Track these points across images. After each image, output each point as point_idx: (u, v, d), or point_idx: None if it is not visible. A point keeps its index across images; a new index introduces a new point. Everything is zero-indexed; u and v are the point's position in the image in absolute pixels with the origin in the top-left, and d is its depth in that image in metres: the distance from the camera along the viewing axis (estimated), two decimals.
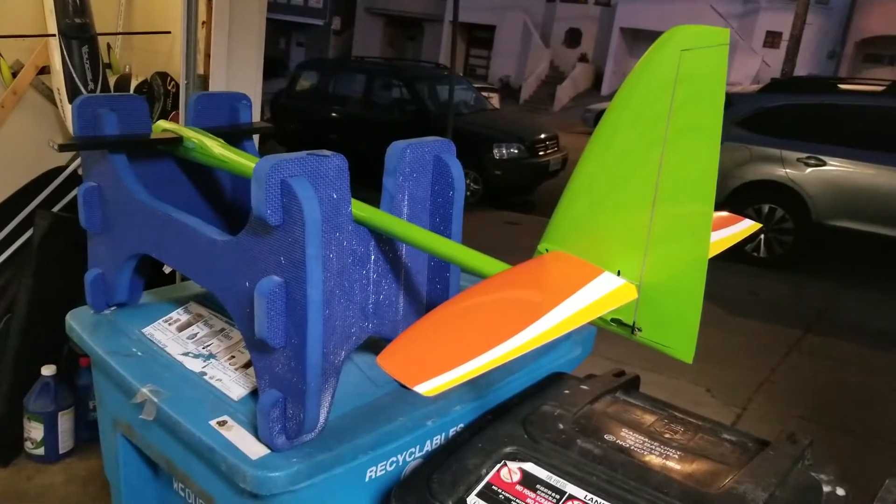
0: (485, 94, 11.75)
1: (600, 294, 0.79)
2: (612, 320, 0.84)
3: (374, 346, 1.23)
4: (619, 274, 0.84)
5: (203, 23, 2.82)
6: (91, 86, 2.89)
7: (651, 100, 0.79)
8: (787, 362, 4.13)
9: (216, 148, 1.36)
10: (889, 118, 6.16)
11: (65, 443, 2.58)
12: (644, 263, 0.82)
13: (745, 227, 1.17)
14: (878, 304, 5.41)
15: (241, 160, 1.30)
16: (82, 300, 2.75)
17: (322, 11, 30.61)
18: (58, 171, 2.91)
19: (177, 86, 3.00)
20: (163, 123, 1.47)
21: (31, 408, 2.50)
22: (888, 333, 4.75)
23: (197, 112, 1.50)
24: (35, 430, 2.52)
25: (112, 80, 3.04)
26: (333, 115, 9.36)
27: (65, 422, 2.57)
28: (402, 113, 8.97)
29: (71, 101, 2.79)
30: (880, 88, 6.55)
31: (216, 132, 1.48)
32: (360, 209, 1.07)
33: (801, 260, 6.27)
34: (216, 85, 2.86)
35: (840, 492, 1.18)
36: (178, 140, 1.40)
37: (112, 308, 1.49)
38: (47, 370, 2.50)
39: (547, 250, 0.92)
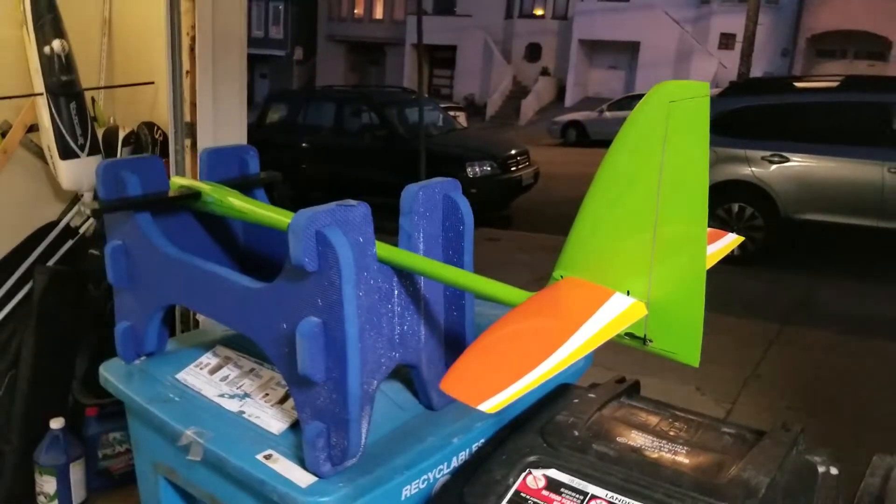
0: (451, 113, 11.95)
1: (615, 314, 0.92)
2: (626, 334, 0.96)
3: (396, 373, 1.33)
4: (628, 293, 0.96)
5: (187, 72, 2.91)
6: (80, 140, 2.94)
7: (646, 141, 0.92)
8: (769, 355, 4.27)
9: (235, 200, 1.45)
10: (845, 112, 6.43)
11: (78, 494, 2.60)
12: (650, 282, 0.94)
13: (730, 240, 1.31)
14: (851, 292, 5.61)
15: (261, 211, 1.40)
16: (84, 352, 2.79)
17: (283, 42, 30.81)
18: (51, 226, 2.97)
19: (164, 135, 3.07)
20: (178, 180, 1.57)
21: (43, 461, 2.51)
22: (864, 319, 4.93)
23: (210, 166, 1.60)
24: (48, 484, 2.54)
25: (99, 134, 3.10)
26: (305, 144, 9.43)
27: (76, 473, 2.59)
28: (374, 139, 9.09)
29: (62, 157, 2.85)
30: (834, 84, 6.83)
31: (229, 184, 1.58)
32: (382, 249, 1.17)
33: (774, 254, 6.47)
34: (204, 132, 2.93)
35: (833, 471, 1.29)
36: (197, 195, 1.49)
37: (142, 358, 1.57)
38: (56, 423, 2.52)
39: (562, 276, 1.04)
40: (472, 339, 1.34)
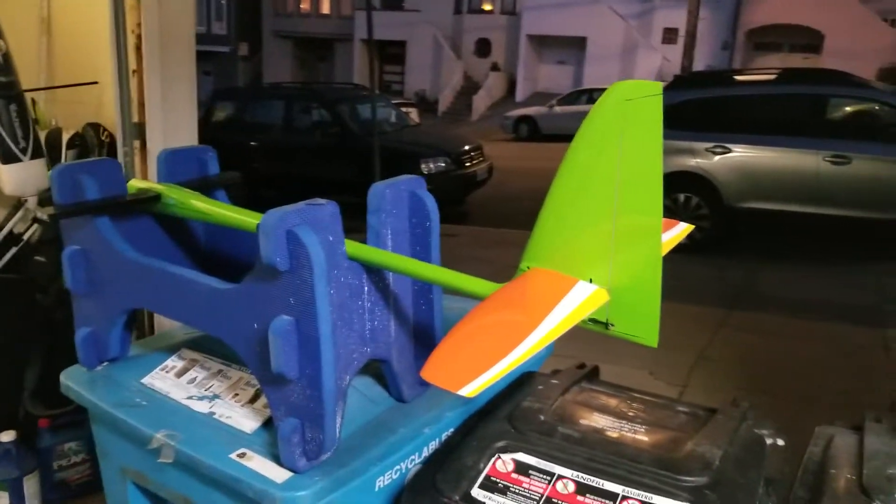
0: (404, 109, 11.95)
1: (579, 301, 0.97)
2: (590, 320, 1.01)
3: (366, 368, 1.36)
4: (591, 281, 1.02)
5: (134, 71, 2.85)
6: (22, 144, 2.85)
7: (604, 138, 0.98)
8: (717, 339, 4.43)
9: (197, 202, 1.46)
10: (782, 103, 6.70)
11: None
12: (611, 270, 1.00)
13: (681, 229, 1.38)
14: (793, 276, 5.84)
15: (226, 212, 1.41)
16: (34, 362, 2.71)
17: (227, 38, 30.19)
18: None
19: (111, 136, 3.01)
20: (137, 183, 1.56)
21: None
22: (806, 303, 5.14)
23: (168, 168, 1.59)
24: (1, 499, 2.49)
25: (42, 136, 3.02)
26: (254, 143, 9.29)
27: (30, 486, 2.53)
28: (325, 136, 9.02)
29: (3, 161, 2.76)
30: (772, 77, 7.10)
31: (188, 185, 1.57)
32: (351, 247, 1.20)
33: (720, 242, 6.69)
34: (153, 132, 2.89)
35: (780, 442, 1.38)
36: (157, 197, 1.49)
37: (104, 363, 1.55)
38: (6, 436, 2.45)
39: (528, 267, 1.09)
40: (440, 331, 1.38)
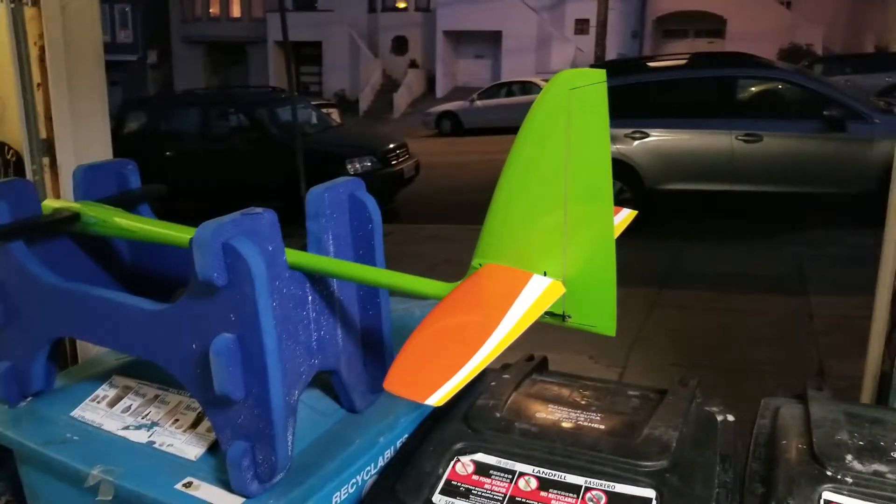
0: (324, 110, 11.78)
1: (536, 295, 0.95)
2: (546, 313, 0.99)
3: (314, 380, 1.30)
4: (545, 274, 0.99)
5: (39, 85, 2.69)
6: None
7: (550, 128, 0.96)
8: (651, 319, 4.55)
9: (121, 219, 1.36)
10: (693, 87, 6.95)
11: None
12: (565, 261, 0.98)
13: (626, 215, 1.38)
14: (717, 253, 6.06)
15: (153, 228, 1.32)
16: None
17: (134, 46, 29.03)
18: None
19: (16, 154, 2.83)
20: (51, 203, 1.45)
21: None
22: (731, 277, 5.34)
23: (86, 185, 1.49)
24: None
25: None
26: (169, 153, 8.96)
27: None
28: (245, 142, 8.79)
29: None
30: (683, 62, 7.35)
31: (109, 202, 1.48)
32: (292, 255, 1.14)
33: (645, 225, 6.86)
34: (63, 148, 2.74)
35: (730, 418, 1.41)
36: (76, 217, 1.39)
37: (28, 399, 1.44)
38: None
39: (481, 264, 1.06)
40: (389, 336, 1.34)
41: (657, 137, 6.71)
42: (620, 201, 5.80)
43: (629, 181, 6.75)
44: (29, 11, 2.53)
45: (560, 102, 0.92)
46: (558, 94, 0.92)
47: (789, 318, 4.31)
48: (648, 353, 3.98)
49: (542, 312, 0.95)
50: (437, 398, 0.83)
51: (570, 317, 1.00)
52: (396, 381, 0.88)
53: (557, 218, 0.97)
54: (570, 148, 0.92)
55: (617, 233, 1.31)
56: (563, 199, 0.95)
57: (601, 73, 0.90)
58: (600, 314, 0.99)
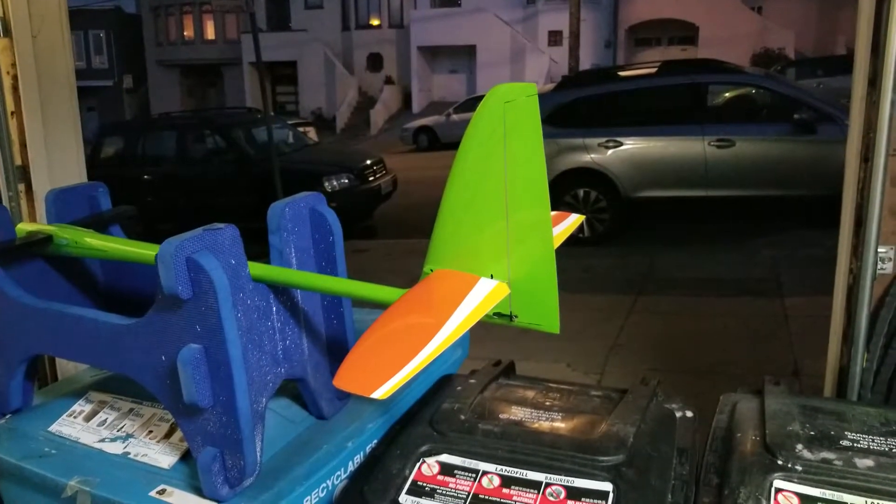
0: (301, 129, 11.82)
1: (482, 296, 1.02)
2: (495, 314, 1.06)
3: (282, 389, 1.35)
4: (492, 277, 1.06)
5: (12, 113, 2.73)
6: None
7: (489, 140, 1.03)
8: (628, 325, 4.60)
9: (92, 240, 1.41)
10: (665, 94, 7.05)
11: None
12: (509, 264, 1.04)
13: (573, 220, 1.45)
14: (692, 258, 6.14)
15: (122, 247, 1.37)
16: None
17: (109, 71, 28.96)
18: None
19: None
20: (25, 226, 1.49)
21: None
22: (707, 281, 5.41)
23: (58, 208, 1.53)
24: None
25: None
26: (147, 177, 8.97)
27: None
28: (222, 163, 8.80)
29: None
30: (654, 70, 7.47)
31: (80, 224, 1.52)
32: (256, 268, 1.20)
33: (621, 233, 6.96)
34: (38, 174, 2.77)
35: (689, 414, 1.47)
36: (49, 239, 1.43)
37: (7, 416, 1.48)
38: None
39: (432, 270, 1.12)
40: (353, 344, 1.39)
41: (631, 145, 6.81)
42: (596, 210, 5.84)
43: (604, 190, 6.83)
44: (1, 42, 2.58)
45: (496, 115, 0.98)
46: (494, 108, 0.99)
47: (765, 320, 4.37)
48: (626, 359, 4.03)
49: (487, 312, 1.01)
50: (382, 392, 0.88)
51: (516, 317, 1.07)
52: (346, 377, 0.93)
53: (500, 225, 1.03)
54: (507, 158, 0.99)
55: (564, 237, 1.39)
56: (505, 206, 1.01)
57: (532, 87, 0.97)
58: (544, 313, 1.05)
